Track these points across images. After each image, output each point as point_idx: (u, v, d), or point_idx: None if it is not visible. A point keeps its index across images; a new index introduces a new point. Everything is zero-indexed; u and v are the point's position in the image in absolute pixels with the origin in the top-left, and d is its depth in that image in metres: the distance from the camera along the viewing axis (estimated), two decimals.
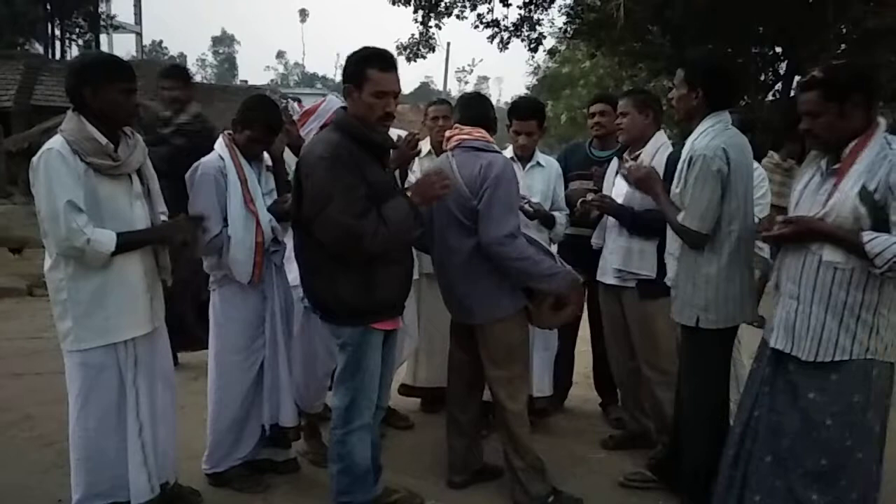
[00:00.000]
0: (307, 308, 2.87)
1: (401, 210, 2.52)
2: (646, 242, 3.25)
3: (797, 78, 12.02)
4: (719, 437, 2.69)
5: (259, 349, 3.08)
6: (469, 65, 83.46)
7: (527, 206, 3.37)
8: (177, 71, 4.66)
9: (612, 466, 3.45)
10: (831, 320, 2.32)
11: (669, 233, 2.87)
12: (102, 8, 31.20)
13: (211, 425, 3.12)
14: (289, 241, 3.04)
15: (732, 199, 2.67)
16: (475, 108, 3.05)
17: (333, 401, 2.68)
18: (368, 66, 2.48)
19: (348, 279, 2.51)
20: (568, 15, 13.44)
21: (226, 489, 3.12)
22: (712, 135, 2.68)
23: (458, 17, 13.95)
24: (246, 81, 47.46)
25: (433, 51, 14.89)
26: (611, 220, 3.42)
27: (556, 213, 3.64)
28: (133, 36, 39.89)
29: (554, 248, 3.50)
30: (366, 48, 2.55)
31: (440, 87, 39.25)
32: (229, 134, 3.06)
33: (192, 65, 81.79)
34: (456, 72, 61.13)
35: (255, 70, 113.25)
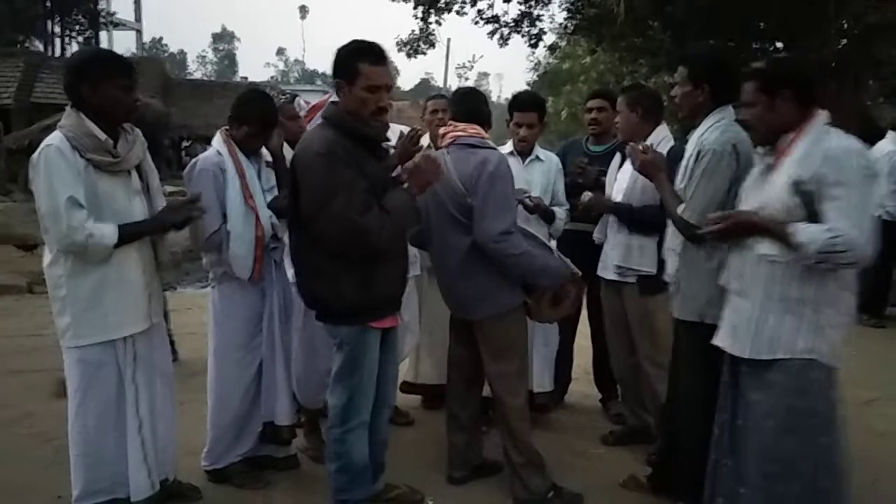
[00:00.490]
0: None
1: (401, 201, 2.51)
2: (645, 238, 3.25)
3: None
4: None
5: (258, 346, 3.08)
6: (469, 61, 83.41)
7: (527, 201, 3.36)
8: None
9: (613, 462, 3.45)
10: (771, 316, 2.27)
11: (670, 228, 2.86)
12: (102, 5, 31.24)
13: (211, 421, 3.12)
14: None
15: (740, 193, 2.66)
16: (469, 103, 3.04)
17: (331, 400, 2.67)
18: (359, 60, 2.43)
19: (350, 277, 2.49)
20: (568, 10, 13.41)
21: (226, 486, 3.12)
22: (721, 129, 2.66)
23: (458, 12, 13.93)
24: (246, 78, 47.49)
25: (433, 47, 14.90)
26: (612, 216, 3.42)
27: (555, 208, 3.64)
28: (133, 33, 39.92)
29: (553, 243, 3.49)
30: (356, 41, 2.50)
31: (440, 84, 39.21)
32: (226, 130, 3.05)
33: (192, 62, 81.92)
34: (456, 68, 61.09)
35: (255, 67, 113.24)
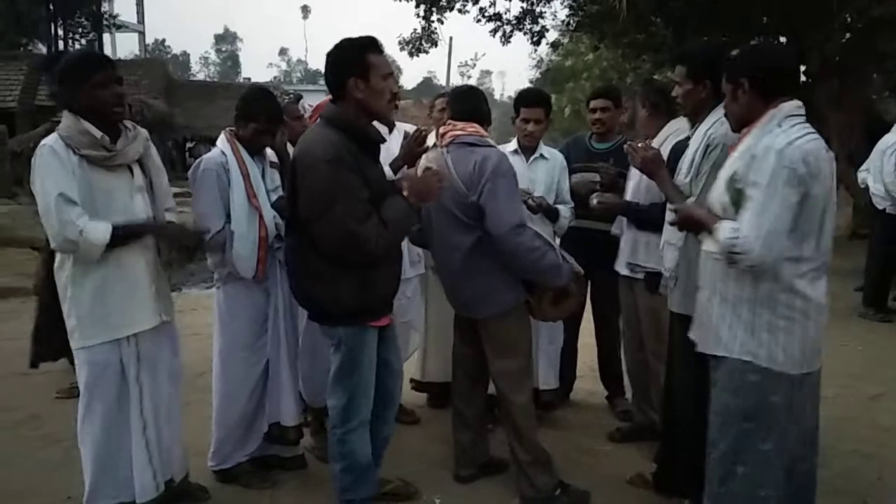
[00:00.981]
0: None
1: (399, 210, 2.51)
2: (653, 236, 3.25)
3: (802, 68, 11.96)
4: None
5: (264, 346, 3.08)
6: (472, 59, 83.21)
7: (529, 201, 3.35)
8: None
9: (619, 459, 3.45)
10: (715, 313, 2.27)
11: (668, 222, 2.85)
12: (105, 7, 31.24)
13: (216, 422, 3.12)
14: None
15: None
16: (467, 102, 3.04)
17: (330, 400, 2.66)
18: (367, 52, 2.46)
19: (347, 280, 2.48)
20: (570, 7, 13.38)
21: (233, 485, 3.13)
22: (728, 124, 2.66)
23: (460, 11, 13.90)
24: (249, 79, 47.57)
25: (436, 45, 14.86)
26: None
27: (560, 207, 3.64)
28: (136, 35, 39.96)
29: (557, 241, 3.49)
30: (350, 39, 2.52)
31: (443, 82, 39.15)
32: (231, 130, 3.06)
33: (195, 63, 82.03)
34: (459, 66, 60.88)
35: (258, 67, 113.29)
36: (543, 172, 3.64)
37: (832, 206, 2.19)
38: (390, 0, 13.53)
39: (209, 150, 3.12)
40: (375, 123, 2.58)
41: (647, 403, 3.55)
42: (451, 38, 28.26)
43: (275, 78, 68.22)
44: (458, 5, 13.75)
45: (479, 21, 14.14)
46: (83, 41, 29.85)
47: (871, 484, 3.23)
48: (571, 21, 13.64)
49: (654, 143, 3.25)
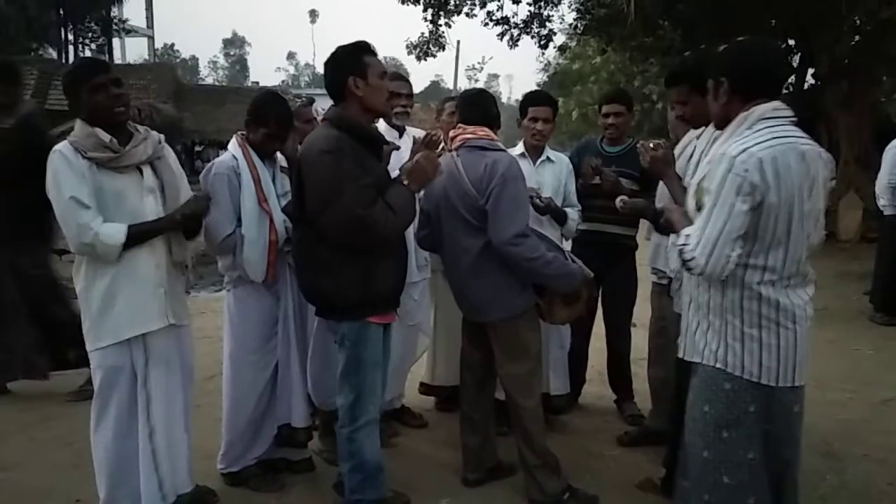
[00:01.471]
0: None
1: (403, 196, 2.57)
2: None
3: (811, 70, 11.93)
4: None
5: (273, 349, 3.09)
6: (479, 63, 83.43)
7: (537, 201, 3.35)
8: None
9: (628, 463, 3.43)
10: (692, 318, 2.26)
11: None
12: (115, 12, 31.48)
13: (226, 425, 3.13)
14: None
15: None
16: (477, 105, 3.04)
17: (339, 399, 2.68)
18: (362, 54, 2.59)
19: (350, 273, 2.54)
20: (578, 11, 13.39)
21: (241, 489, 3.13)
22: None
23: (467, 14, 13.96)
24: (257, 83, 47.75)
25: (443, 49, 14.93)
26: None
27: (567, 209, 3.63)
28: (145, 39, 40.21)
29: (568, 245, 3.48)
30: (343, 46, 2.63)
31: (450, 86, 39.22)
32: (242, 134, 3.08)
33: (203, 67, 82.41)
34: (466, 70, 61.10)
35: (266, 71, 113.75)
36: (550, 175, 3.64)
37: (812, 213, 2.11)
38: (398, 4, 13.58)
39: (218, 154, 3.14)
40: (384, 130, 2.62)
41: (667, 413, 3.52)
42: (458, 42, 28.37)
43: (283, 82, 68.60)
44: (465, 9, 13.81)
45: (486, 25, 14.19)
46: (93, 46, 30.09)
47: (882, 490, 3.21)
48: (579, 24, 13.65)
49: (679, 145, 3.22)
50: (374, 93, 2.58)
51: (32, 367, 4.21)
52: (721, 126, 2.23)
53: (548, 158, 3.65)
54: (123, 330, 2.57)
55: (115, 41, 33.15)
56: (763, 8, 10.05)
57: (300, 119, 3.33)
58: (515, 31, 14.05)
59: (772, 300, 2.08)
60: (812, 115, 10.99)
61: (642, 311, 3.82)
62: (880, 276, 6.45)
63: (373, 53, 2.62)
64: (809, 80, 12.18)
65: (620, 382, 4.10)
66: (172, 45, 77.40)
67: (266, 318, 3.07)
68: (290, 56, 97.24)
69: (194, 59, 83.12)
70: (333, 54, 2.62)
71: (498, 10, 14.00)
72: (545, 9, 13.72)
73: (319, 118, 3.44)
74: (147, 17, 39.05)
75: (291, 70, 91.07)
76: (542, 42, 14.15)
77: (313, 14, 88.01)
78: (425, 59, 15.10)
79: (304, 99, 3.73)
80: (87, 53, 29.15)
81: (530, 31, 14.01)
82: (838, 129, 10.93)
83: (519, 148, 3.65)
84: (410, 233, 3.10)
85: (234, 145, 3.06)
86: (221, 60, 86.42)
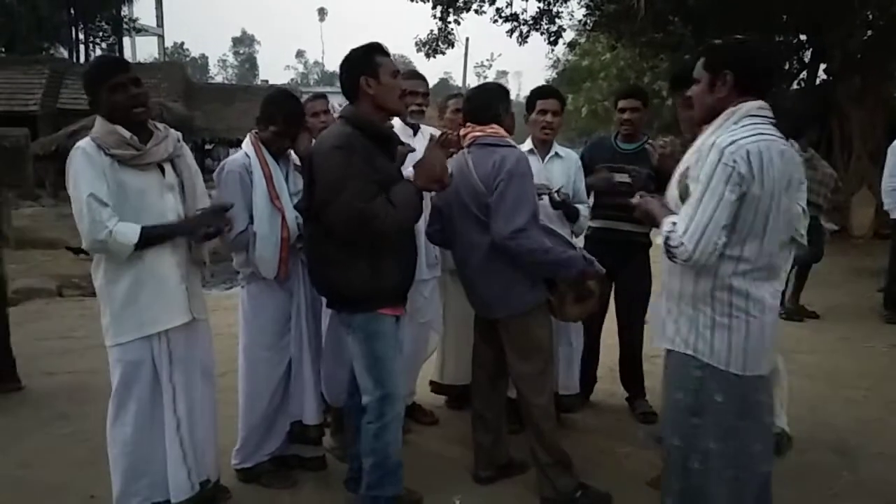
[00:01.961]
0: None
1: (407, 192, 2.60)
2: None
3: (823, 65, 11.84)
4: None
5: (287, 346, 3.11)
6: (488, 60, 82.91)
7: (554, 195, 3.32)
8: None
9: (640, 461, 3.42)
10: (664, 306, 2.31)
11: None
12: (125, 11, 31.64)
13: (242, 420, 3.15)
14: None
15: None
16: (479, 102, 3.02)
17: (364, 395, 2.70)
18: (375, 53, 2.64)
19: (359, 267, 2.59)
20: (587, 7, 13.35)
21: (254, 485, 3.15)
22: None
23: (476, 11, 13.92)
24: (267, 81, 47.92)
25: (452, 46, 14.89)
26: None
27: (578, 206, 3.62)
28: (155, 38, 40.35)
29: (581, 243, 3.46)
30: (356, 47, 2.68)
31: (459, 83, 39.21)
32: (255, 132, 3.09)
33: (213, 66, 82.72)
34: (475, 67, 60.82)
35: (275, 70, 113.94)
36: (559, 171, 3.62)
37: (789, 208, 2.15)
38: (407, 1, 13.58)
39: (228, 153, 3.16)
40: (399, 129, 2.63)
41: None
42: (467, 39, 28.36)
43: (292, 80, 68.74)
44: (474, 6, 13.76)
45: (495, 21, 14.15)
46: (104, 45, 30.25)
47: None
48: (588, 20, 13.61)
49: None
50: (386, 91, 2.62)
51: None
52: (706, 120, 2.25)
53: (556, 154, 3.64)
54: (147, 325, 2.59)
55: (126, 40, 33.32)
56: (774, 3, 9.98)
57: (308, 112, 3.34)
58: (525, 28, 14.00)
59: (743, 291, 2.12)
60: (824, 110, 10.92)
61: None
62: (893, 273, 6.40)
63: (385, 53, 2.67)
64: (822, 75, 12.10)
65: (632, 380, 4.09)
66: (182, 43, 77.62)
67: (279, 315, 3.09)
68: (300, 54, 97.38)
69: (204, 57, 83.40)
70: (346, 56, 2.68)
71: (507, 7, 13.97)
72: (555, 5, 13.67)
73: (336, 114, 3.46)
74: (157, 16, 39.21)
75: (300, 68, 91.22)
76: (552, 39, 14.10)
77: (322, 12, 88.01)
78: (434, 57, 15.09)
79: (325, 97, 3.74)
80: (98, 52, 29.33)
81: (539, 28, 13.96)
82: (851, 125, 10.86)
83: (527, 144, 3.64)
84: (421, 231, 3.11)
85: (247, 143, 3.08)
86: (231, 59, 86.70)
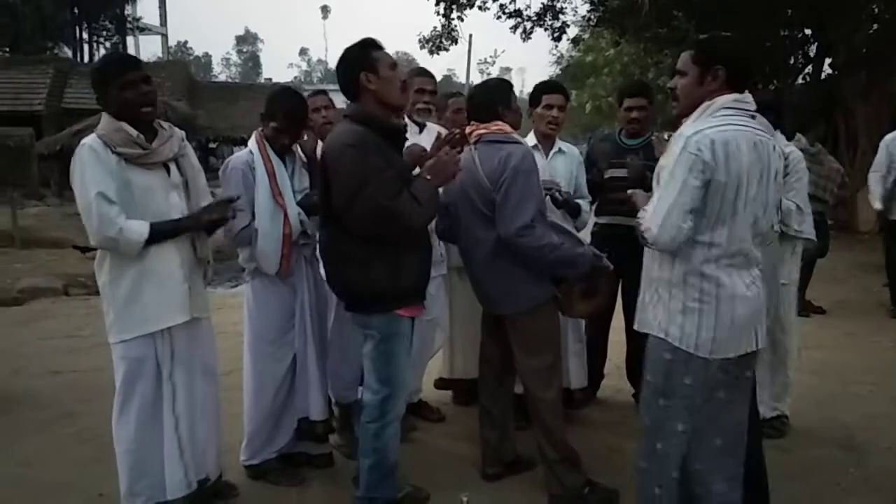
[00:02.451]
0: None
1: (427, 189, 2.59)
2: None
3: (828, 60, 11.79)
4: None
5: (291, 342, 3.11)
6: (492, 56, 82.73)
7: (556, 194, 3.32)
8: None
9: None
10: (643, 291, 2.39)
11: None
12: (129, 10, 31.70)
13: (247, 416, 3.16)
14: None
15: None
16: (481, 100, 3.01)
17: (366, 394, 2.69)
18: (371, 48, 2.63)
19: (378, 267, 2.57)
20: (591, 2, 13.32)
21: (261, 482, 3.15)
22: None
23: (480, 8, 13.90)
24: (270, 79, 47.91)
25: (455, 43, 14.89)
26: None
27: (579, 201, 3.61)
28: (159, 37, 40.44)
29: (586, 238, 3.45)
30: (351, 45, 2.66)
31: (463, 80, 39.12)
32: (261, 130, 3.09)
33: (217, 64, 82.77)
34: (478, 63, 60.69)
35: (278, 68, 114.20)
36: (563, 167, 3.62)
37: (759, 198, 2.19)
38: None
39: (232, 151, 3.16)
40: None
41: None
42: (470, 36, 28.31)
43: (295, 78, 68.73)
44: (478, 2, 13.74)
45: (499, 18, 14.14)
46: (107, 44, 30.31)
47: None
48: (592, 16, 13.59)
49: None
50: (386, 85, 2.60)
51: None
52: (687, 112, 2.30)
53: (560, 150, 3.63)
54: (150, 323, 2.59)
55: (129, 39, 33.38)
56: None
57: (310, 107, 3.33)
58: (528, 24, 13.99)
59: (713, 277, 2.18)
60: (830, 105, 10.88)
61: None
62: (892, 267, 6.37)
63: (380, 48, 2.65)
64: (827, 70, 12.05)
65: (639, 376, 4.07)
66: (186, 42, 77.80)
67: (283, 310, 3.09)
68: (303, 52, 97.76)
69: (207, 56, 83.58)
70: (342, 55, 2.65)
71: (511, 3, 13.96)
72: (558, 1, 13.65)
73: (337, 107, 3.46)
74: (160, 15, 39.26)
75: (304, 66, 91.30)
76: (556, 34, 14.09)
77: (325, 10, 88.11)
78: (438, 54, 15.08)
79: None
80: (102, 52, 29.40)
81: (543, 24, 13.94)
82: (856, 120, 10.82)
83: (530, 139, 3.62)
84: (432, 229, 3.10)
85: (252, 141, 3.09)
86: (234, 57, 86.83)
